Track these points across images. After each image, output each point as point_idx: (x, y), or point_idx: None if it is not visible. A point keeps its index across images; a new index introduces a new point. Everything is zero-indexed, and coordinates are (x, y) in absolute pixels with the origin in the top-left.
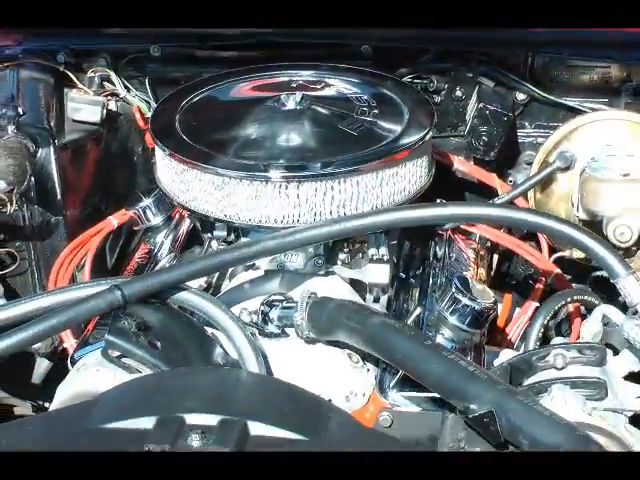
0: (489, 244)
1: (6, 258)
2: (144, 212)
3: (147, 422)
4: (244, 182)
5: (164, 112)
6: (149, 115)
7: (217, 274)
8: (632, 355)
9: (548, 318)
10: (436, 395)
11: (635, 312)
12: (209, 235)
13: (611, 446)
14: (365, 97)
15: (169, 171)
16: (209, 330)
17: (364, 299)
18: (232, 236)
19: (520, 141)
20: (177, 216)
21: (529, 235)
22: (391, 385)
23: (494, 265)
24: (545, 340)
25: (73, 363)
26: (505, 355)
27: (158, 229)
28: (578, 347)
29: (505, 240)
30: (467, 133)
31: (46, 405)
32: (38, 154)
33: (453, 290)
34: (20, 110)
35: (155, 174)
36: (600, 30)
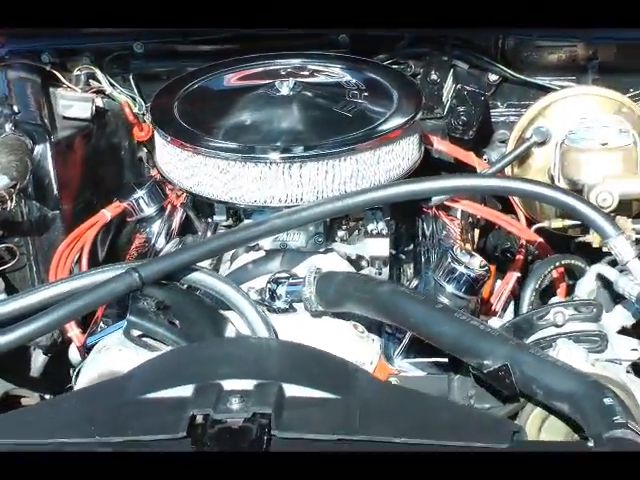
0: (471, 219)
1: (5, 254)
2: (137, 203)
3: (186, 390)
4: (249, 165)
5: (162, 103)
6: (136, 110)
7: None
8: (625, 310)
9: (540, 282)
10: (440, 359)
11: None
12: (209, 220)
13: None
14: (354, 81)
15: (172, 158)
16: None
17: None
18: (230, 220)
19: (493, 120)
20: (169, 206)
21: (505, 209)
22: (396, 353)
23: (476, 239)
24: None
25: (88, 349)
26: (493, 324)
27: (152, 219)
28: (575, 305)
29: (488, 214)
30: (446, 114)
31: (46, 397)
32: (35, 151)
33: (449, 260)
34: (15, 108)
35: (156, 162)
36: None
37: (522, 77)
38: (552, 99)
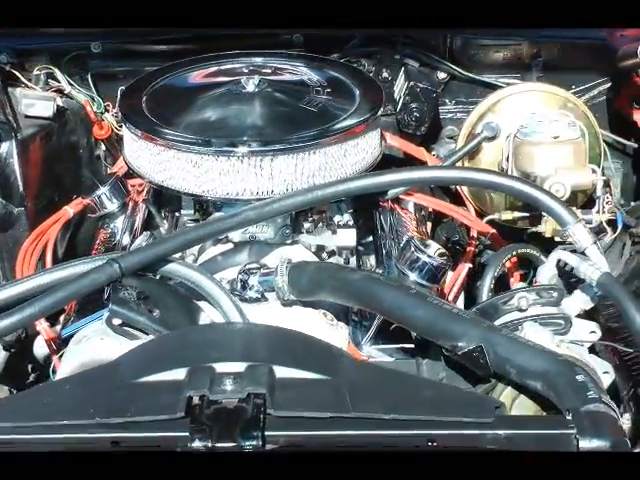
0: (423, 212)
1: None
2: (100, 199)
3: (179, 373)
4: (221, 158)
5: (130, 99)
6: (95, 109)
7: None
8: (584, 295)
9: (498, 270)
10: (407, 345)
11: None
12: (176, 214)
13: None
14: (316, 79)
15: (143, 153)
16: None
17: None
18: (197, 214)
19: (441, 117)
20: (131, 202)
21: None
22: (365, 339)
23: (429, 231)
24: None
25: (64, 341)
26: None
27: (114, 215)
28: (537, 290)
29: (442, 206)
30: (398, 110)
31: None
32: (0, 148)
33: (412, 250)
34: None
35: (125, 158)
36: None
37: (470, 75)
38: (501, 95)
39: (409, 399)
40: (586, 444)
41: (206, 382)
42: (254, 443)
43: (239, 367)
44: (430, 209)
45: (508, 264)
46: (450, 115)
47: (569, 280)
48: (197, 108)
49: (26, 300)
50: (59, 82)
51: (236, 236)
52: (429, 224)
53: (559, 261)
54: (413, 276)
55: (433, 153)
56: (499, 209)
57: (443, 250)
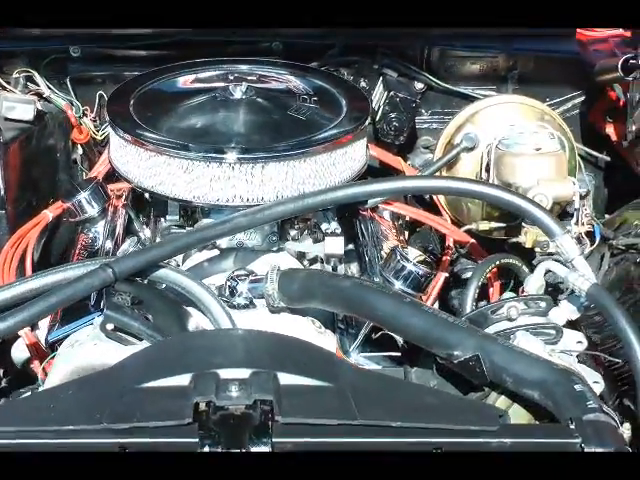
0: (400, 221)
1: None
2: (80, 204)
3: (183, 379)
4: (212, 164)
5: (118, 104)
6: (74, 113)
7: None
8: (570, 305)
9: (481, 280)
10: (393, 354)
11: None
12: (161, 219)
13: None
14: (302, 87)
15: (132, 158)
16: None
17: None
18: (182, 220)
19: (417, 127)
20: (111, 208)
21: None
22: (352, 347)
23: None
24: None
25: (50, 345)
26: None
27: (94, 220)
28: (525, 300)
29: (421, 216)
30: (377, 120)
31: None
32: None
33: (398, 258)
34: None
35: (111, 162)
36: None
37: (446, 86)
38: (479, 107)
39: (413, 406)
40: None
41: (212, 388)
42: (263, 450)
43: (243, 373)
44: (407, 218)
45: (489, 273)
46: (426, 125)
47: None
48: (185, 114)
49: (17, 305)
50: (38, 85)
51: (223, 242)
52: (406, 232)
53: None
54: (398, 284)
55: (409, 163)
56: (476, 219)
57: (424, 258)
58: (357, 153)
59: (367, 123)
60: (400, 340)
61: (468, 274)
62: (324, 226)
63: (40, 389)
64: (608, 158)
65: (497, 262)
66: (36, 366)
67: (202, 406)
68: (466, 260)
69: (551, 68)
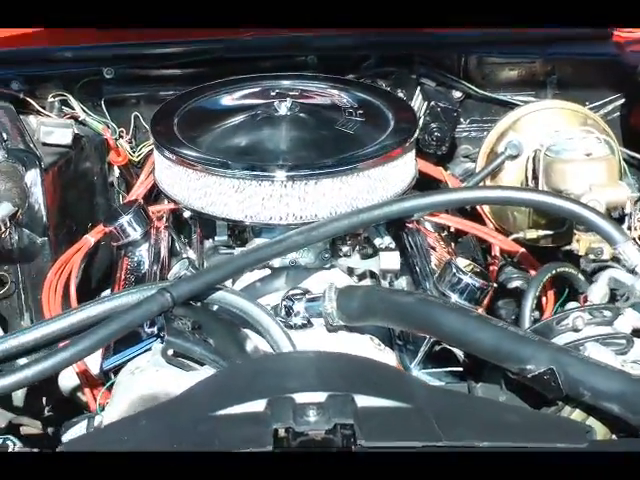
0: (445, 232)
1: None
2: (123, 228)
3: (258, 405)
4: (264, 183)
5: (162, 124)
6: (108, 135)
7: None
8: (636, 313)
9: (539, 289)
10: (455, 369)
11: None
12: (211, 240)
13: None
14: (345, 100)
15: (181, 179)
16: None
17: None
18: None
19: (456, 136)
20: (153, 230)
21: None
22: (414, 363)
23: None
24: None
25: (105, 373)
26: None
27: (137, 243)
28: (590, 309)
29: (466, 226)
30: (419, 130)
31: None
32: (25, 177)
33: (454, 271)
34: (4, 135)
35: (158, 184)
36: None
37: (485, 93)
38: (521, 113)
39: (495, 424)
40: None
41: (289, 413)
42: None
43: (319, 397)
44: (452, 228)
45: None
46: (465, 134)
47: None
48: (231, 132)
49: (75, 333)
50: (73, 109)
51: (276, 261)
52: (453, 243)
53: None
54: (455, 297)
55: (448, 172)
56: (522, 227)
57: (472, 266)
58: (407, 165)
59: (416, 135)
60: (461, 354)
61: (514, 283)
62: (377, 241)
63: (97, 418)
64: None
65: (554, 271)
66: (87, 394)
67: (281, 432)
68: (511, 269)
69: (589, 71)
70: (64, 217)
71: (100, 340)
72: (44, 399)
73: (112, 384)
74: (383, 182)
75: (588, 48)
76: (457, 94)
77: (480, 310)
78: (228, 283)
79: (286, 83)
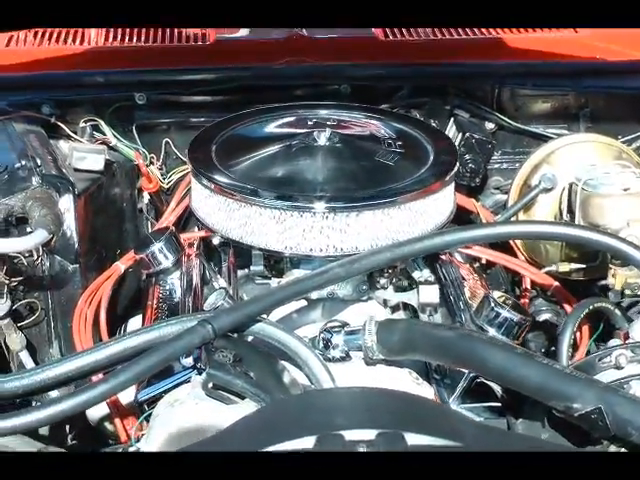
0: (477, 264)
1: (23, 309)
2: (154, 255)
3: (307, 442)
4: (305, 215)
5: (199, 152)
6: (141, 162)
7: None
8: None
9: (576, 324)
10: (494, 404)
11: None
12: (246, 271)
13: None
14: (383, 131)
15: (220, 208)
16: None
17: None
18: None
19: (488, 167)
20: (185, 258)
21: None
22: (452, 398)
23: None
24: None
25: (139, 403)
26: None
27: (168, 271)
28: (633, 347)
29: (499, 258)
30: None
31: None
32: (59, 203)
33: (492, 305)
34: (38, 161)
35: (195, 212)
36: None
37: (517, 125)
38: (555, 146)
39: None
40: None
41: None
42: None
43: (369, 434)
44: (483, 260)
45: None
46: (496, 165)
47: None
48: (270, 162)
49: (114, 364)
50: (104, 134)
51: (313, 293)
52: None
53: None
54: (492, 331)
55: (480, 204)
56: (554, 260)
57: (505, 298)
58: (447, 198)
59: (457, 167)
60: (499, 390)
61: (543, 316)
62: (416, 274)
63: (131, 449)
64: None
65: (591, 306)
66: (117, 424)
67: None
68: (540, 301)
69: (622, 105)
70: (94, 244)
71: (141, 372)
72: (67, 427)
73: (147, 415)
74: (424, 215)
75: (621, 82)
76: (490, 125)
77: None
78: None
79: (323, 112)
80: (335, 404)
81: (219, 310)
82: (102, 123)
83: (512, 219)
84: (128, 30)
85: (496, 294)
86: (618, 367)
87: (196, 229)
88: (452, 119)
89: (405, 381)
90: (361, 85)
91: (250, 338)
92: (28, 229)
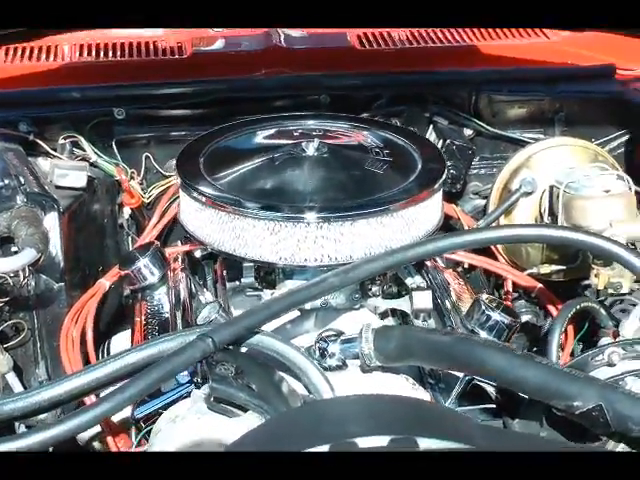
0: (460, 268)
1: (9, 330)
2: (140, 271)
3: (320, 450)
4: (300, 225)
5: (186, 165)
6: (122, 177)
7: None
8: None
9: (565, 325)
10: (489, 406)
11: None
12: (237, 283)
13: None
14: (370, 140)
15: (211, 221)
16: None
17: None
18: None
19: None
20: (171, 273)
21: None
22: (448, 402)
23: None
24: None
25: (136, 420)
26: None
27: (154, 287)
28: (623, 344)
29: (482, 262)
30: None
31: None
32: (44, 222)
33: (483, 308)
34: (22, 179)
35: (184, 226)
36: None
37: (495, 131)
38: (533, 150)
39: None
40: None
41: None
42: None
43: (382, 441)
44: (466, 264)
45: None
46: (475, 171)
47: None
48: (259, 173)
49: (113, 382)
50: (84, 150)
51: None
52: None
53: None
54: (483, 334)
55: (459, 209)
56: (535, 263)
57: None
58: (436, 205)
59: (446, 174)
60: (493, 391)
61: (524, 317)
62: (409, 281)
63: None
64: None
65: (578, 306)
66: (109, 442)
67: None
68: (520, 303)
69: (595, 108)
70: (78, 261)
71: (145, 388)
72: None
73: (146, 432)
74: (416, 222)
75: (593, 86)
76: (468, 132)
77: None
78: None
79: (308, 123)
80: (345, 412)
81: (217, 323)
82: (82, 139)
83: (494, 223)
84: (103, 44)
85: (484, 297)
86: (611, 364)
87: (179, 243)
88: (431, 126)
89: (403, 387)
90: (340, 95)
91: (244, 349)
92: (13, 248)
